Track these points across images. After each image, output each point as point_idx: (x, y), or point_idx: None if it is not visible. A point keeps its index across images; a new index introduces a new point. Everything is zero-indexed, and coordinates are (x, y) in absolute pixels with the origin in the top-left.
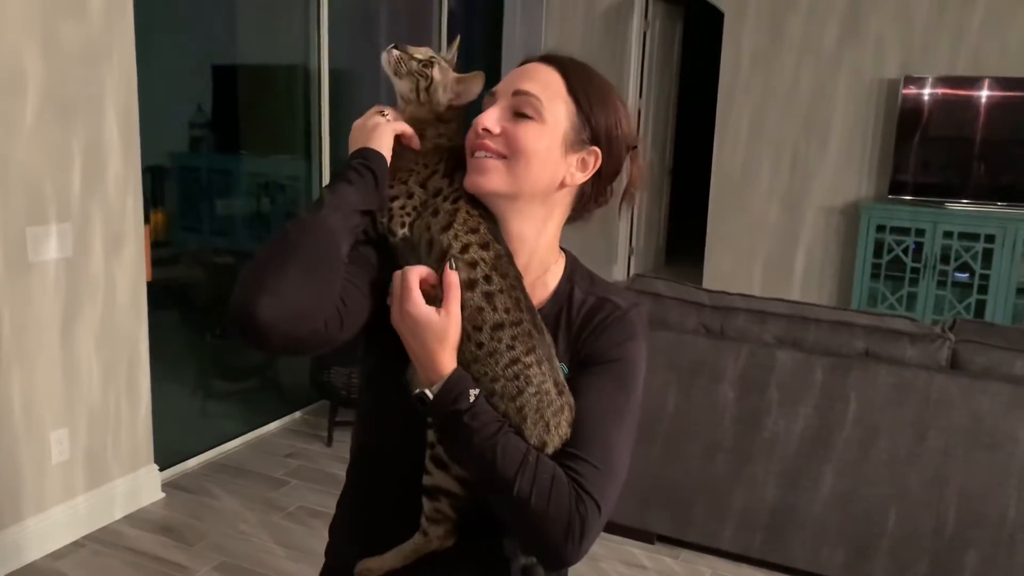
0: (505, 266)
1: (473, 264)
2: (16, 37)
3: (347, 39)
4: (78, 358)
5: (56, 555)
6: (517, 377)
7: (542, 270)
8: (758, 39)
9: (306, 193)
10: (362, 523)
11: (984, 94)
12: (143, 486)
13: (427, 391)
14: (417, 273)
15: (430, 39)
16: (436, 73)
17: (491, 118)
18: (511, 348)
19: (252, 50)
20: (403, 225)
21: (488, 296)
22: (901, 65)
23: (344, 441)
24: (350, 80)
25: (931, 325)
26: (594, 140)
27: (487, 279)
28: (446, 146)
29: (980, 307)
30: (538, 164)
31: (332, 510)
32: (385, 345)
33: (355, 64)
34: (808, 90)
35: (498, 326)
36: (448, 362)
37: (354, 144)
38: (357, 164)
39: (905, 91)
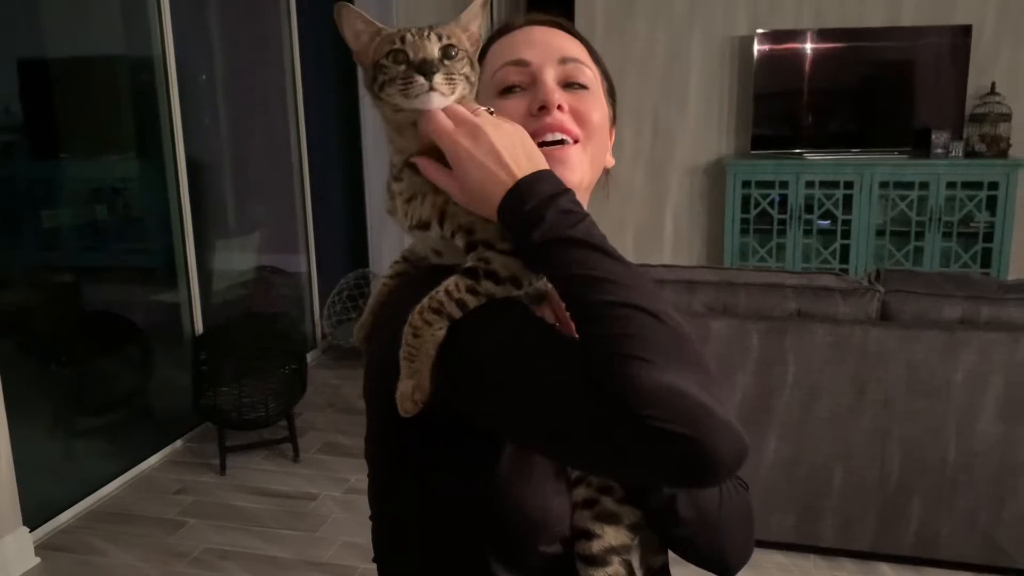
0: None
1: None
2: None
3: (191, 21)
4: None
5: None
6: None
7: None
8: (611, 8)
9: (149, 195)
10: None
11: (826, 47)
12: (13, 555)
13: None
14: None
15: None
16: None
17: (558, 92)
18: None
19: (66, 41)
20: None
21: None
22: (751, 21)
23: (239, 467)
24: (198, 67)
25: (858, 278)
26: (612, 98)
27: None
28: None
29: (844, 251)
30: (605, 143)
31: (242, 548)
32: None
33: (199, 49)
34: (664, 53)
35: None
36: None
37: (488, 174)
38: (584, 223)
39: (759, 47)
